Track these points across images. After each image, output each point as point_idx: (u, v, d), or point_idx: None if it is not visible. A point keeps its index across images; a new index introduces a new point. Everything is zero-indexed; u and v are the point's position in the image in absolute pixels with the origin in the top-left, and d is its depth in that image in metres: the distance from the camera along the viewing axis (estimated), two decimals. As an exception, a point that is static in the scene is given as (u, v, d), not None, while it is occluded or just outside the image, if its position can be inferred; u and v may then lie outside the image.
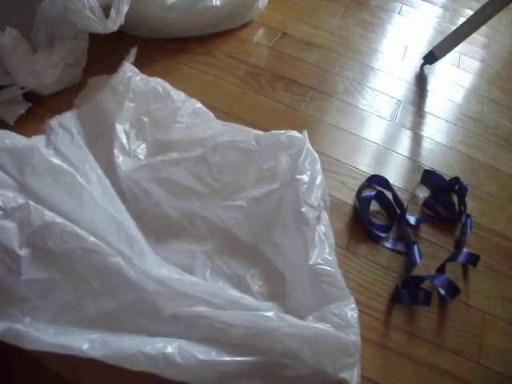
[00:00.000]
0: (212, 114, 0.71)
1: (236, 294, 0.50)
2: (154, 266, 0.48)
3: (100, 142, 0.64)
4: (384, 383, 0.56)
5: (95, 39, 0.77)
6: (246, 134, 0.65)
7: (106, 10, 0.70)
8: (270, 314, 0.46)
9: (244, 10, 1.02)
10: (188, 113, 0.69)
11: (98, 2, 0.68)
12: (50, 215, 0.46)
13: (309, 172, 0.60)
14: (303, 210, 0.56)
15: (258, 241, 0.60)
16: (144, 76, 0.69)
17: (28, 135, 0.68)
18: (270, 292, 0.55)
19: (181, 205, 0.60)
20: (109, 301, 0.47)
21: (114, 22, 0.70)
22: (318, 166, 0.62)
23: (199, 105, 0.71)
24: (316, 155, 0.63)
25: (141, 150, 0.65)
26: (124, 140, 0.63)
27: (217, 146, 0.63)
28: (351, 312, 0.48)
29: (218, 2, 0.90)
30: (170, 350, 0.42)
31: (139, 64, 0.70)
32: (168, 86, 0.70)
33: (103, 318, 0.46)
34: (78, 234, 0.46)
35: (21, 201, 0.45)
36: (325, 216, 0.60)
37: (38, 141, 0.59)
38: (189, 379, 0.43)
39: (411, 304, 0.64)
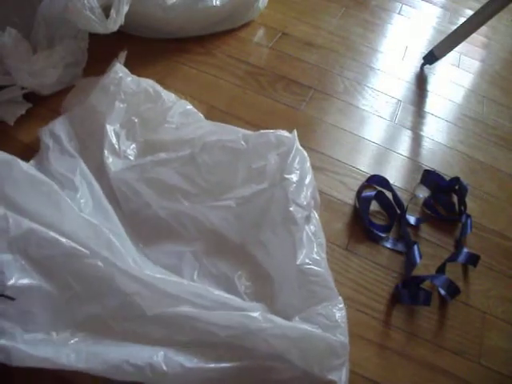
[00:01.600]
0: (202, 115, 0.71)
1: (222, 294, 0.50)
2: (136, 266, 0.48)
3: (91, 143, 0.64)
4: (384, 383, 0.56)
5: (95, 39, 0.77)
6: (235, 134, 0.65)
7: (106, 10, 0.70)
8: (255, 314, 0.46)
9: (244, 10, 1.02)
10: (178, 113, 0.69)
11: (98, 1, 0.68)
12: (28, 224, 0.46)
13: (298, 171, 0.60)
14: (291, 209, 0.56)
15: (246, 241, 0.60)
16: (135, 77, 0.69)
17: (28, 135, 0.69)
18: (257, 293, 0.55)
19: (170, 205, 0.60)
20: (94, 306, 0.47)
21: (114, 22, 0.70)
22: (308, 165, 0.62)
23: (189, 106, 0.71)
24: (305, 154, 0.63)
25: (131, 150, 0.65)
26: (114, 140, 0.63)
27: (205, 145, 0.63)
28: (339, 312, 0.48)
29: (217, 2, 0.90)
30: (155, 359, 0.42)
31: (139, 64, 0.71)
32: (159, 88, 0.70)
33: (90, 323, 0.47)
34: (56, 240, 0.46)
35: None
36: (315, 215, 0.60)
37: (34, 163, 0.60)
38: None
39: (411, 304, 0.64)
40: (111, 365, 0.42)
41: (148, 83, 0.69)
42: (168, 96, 0.70)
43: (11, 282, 0.43)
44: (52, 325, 0.45)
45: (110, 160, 0.62)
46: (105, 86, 0.66)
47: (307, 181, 0.60)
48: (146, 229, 0.60)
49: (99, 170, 0.61)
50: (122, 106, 0.66)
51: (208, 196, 0.61)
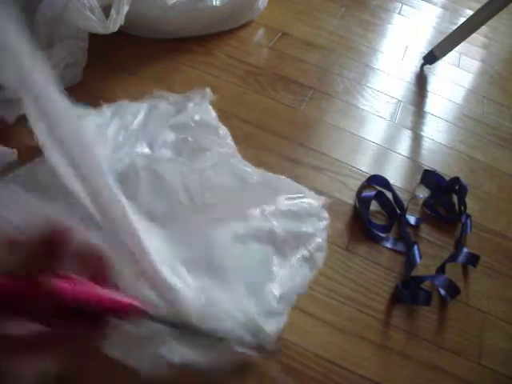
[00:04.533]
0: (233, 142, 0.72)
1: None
2: None
3: None
4: (384, 383, 0.56)
5: (95, 39, 0.77)
6: (255, 173, 0.63)
7: (106, 10, 0.70)
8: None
9: (244, 10, 1.02)
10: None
11: (97, 2, 0.68)
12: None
13: None
14: None
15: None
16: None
17: (28, 135, 0.68)
18: None
19: (155, 203, 0.57)
20: None
21: (114, 22, 0.70)
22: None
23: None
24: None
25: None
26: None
27: (218, 163, 0.62)
28: None
29: (218, 2, 0.90)
30: None
31: (139, 64, 0.71)
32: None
33: None
34: None
35: None
36: None
37: None
38: None
39: (411, 304, 0.64)
40: None
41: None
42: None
43: None
44: None
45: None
46: None
47: None
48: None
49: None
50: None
51: (190, 213, 0.57)
